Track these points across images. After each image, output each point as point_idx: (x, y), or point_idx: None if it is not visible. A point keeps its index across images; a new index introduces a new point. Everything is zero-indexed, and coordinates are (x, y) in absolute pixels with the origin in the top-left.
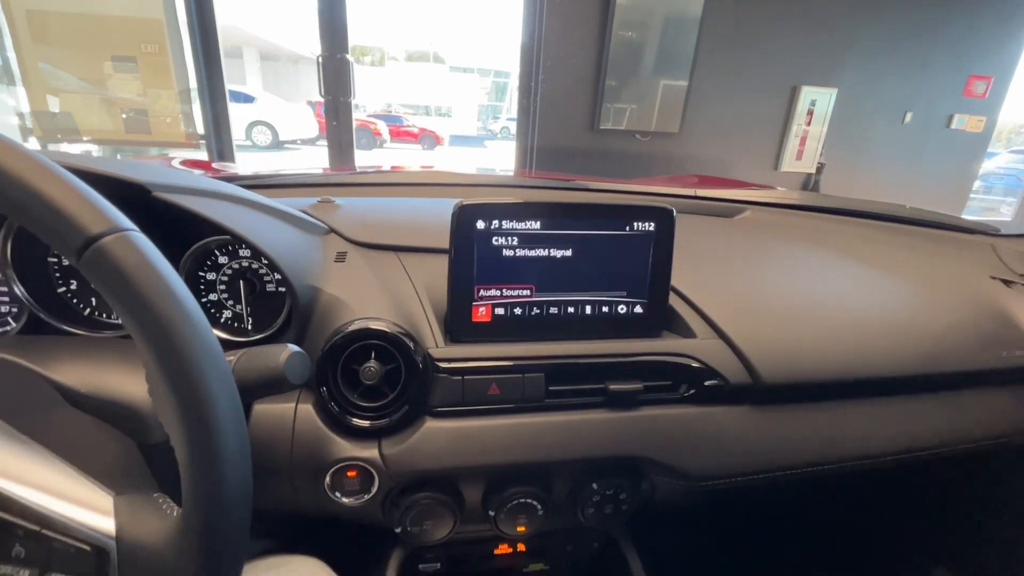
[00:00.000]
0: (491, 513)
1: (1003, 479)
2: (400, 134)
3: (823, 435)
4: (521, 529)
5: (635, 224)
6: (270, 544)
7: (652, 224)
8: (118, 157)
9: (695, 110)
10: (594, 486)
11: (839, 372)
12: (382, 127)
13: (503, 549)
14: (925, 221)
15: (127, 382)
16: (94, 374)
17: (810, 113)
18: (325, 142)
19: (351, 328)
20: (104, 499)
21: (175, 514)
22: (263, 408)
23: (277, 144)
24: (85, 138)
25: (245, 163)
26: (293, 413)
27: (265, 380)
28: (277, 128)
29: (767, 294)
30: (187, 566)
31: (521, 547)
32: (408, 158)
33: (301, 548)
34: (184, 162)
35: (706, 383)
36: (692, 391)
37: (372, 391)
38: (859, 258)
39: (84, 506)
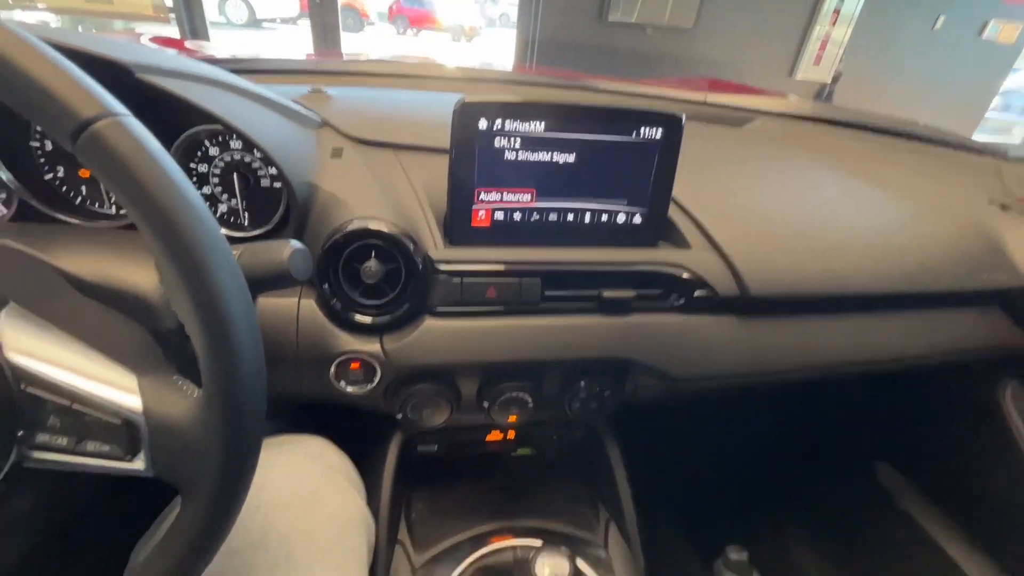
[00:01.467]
0: (485, 405)
1: (951, 391)
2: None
3: (800, 345)
4: (512, 419)
5: (642, 130)
6: (281, 425)
7: (659, 131)
8: (79, 30)
9: (712, 1)
10: (582, 384)
11: (824, 289)
12: (369, 8)
13: (495, 436)
14: (935, 139)
15: (133, 271)
16: (98, 262)
17: (836, 13)
18: (306, 21)
19: (350, 227)
20: (128, 379)
21: (196, 395)
22: (267, 302)
23: (254, 22)
24: (41, 6)
25: (221, 43)
26: (296, 308)
27: (269, 275)
28: (253, 3)
29: (765, 208)
30: (213, 440)
31: (511, 434)
32: (406, 46)
33: (309, 430)
34: (154, 39)
35: (695, 294)
36: (682, 300)
37: (373, 289)
38: (862, 175)
39: (110, 384)
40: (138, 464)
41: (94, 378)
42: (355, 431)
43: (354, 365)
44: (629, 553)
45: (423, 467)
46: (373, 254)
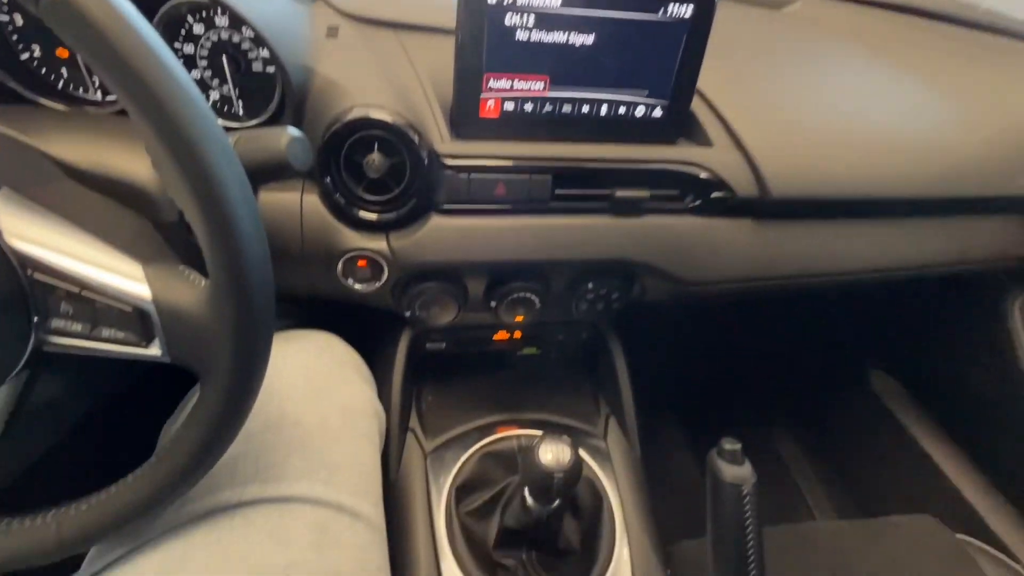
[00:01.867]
0: (492, 304)
1: (956, 301)
2: None
3: (816, 252)
4: (519, 319)
5: (670, 7)
6: (292, 323)
7: (689, 9)
8: None
9: None
10: (589, 285)
11: (849, 192)
12: None
13: (501, 335)
14: (998, 27)
15: (128, 160)
16: (90, 149)
17: None
18: None
19: (351, 116)
20: (134, 267)
21: (203, 285)
22: (270, 197)
23: None
24: None
25: None
26: (300, 203)
27: (267, 164)
28: None
29: (797, 102)
30: (224, 326)
31: (518, 334)
32: None
33: (320, 328)
34: None
35: (713, 195)
36: (698, 202)
37: (377, 184)
38: (909, 67)
39: (117, 272)
40: (154, 350)
41: (100, 266)
42: (365, 329)
43: (361, 263)
44: (627, 445)
45: (432, 363)
46: (376, 146)
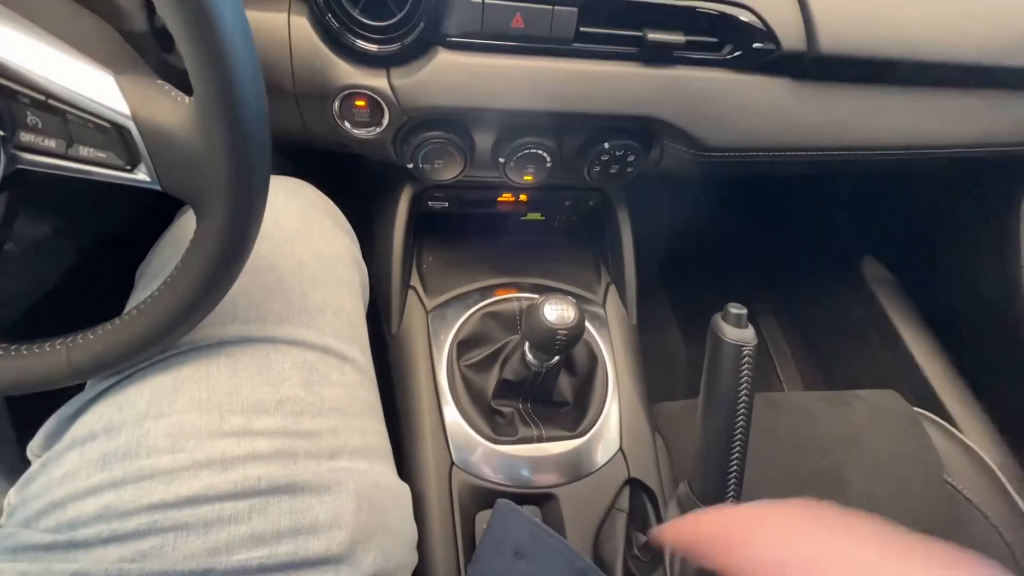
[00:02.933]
0: (501, 160)
1: (967, 190)
2: None
3: (852, 121)
4: (528, 179)
5: None
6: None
7: None
8: None
9: None
10: (605, 145)
11: (906, 52)
12: None
13: (506, 197)
14: None
15: None
16: None
17: None
18: None
19: None
20: (102, 75)
21: (187, 101)
22: (249, 15)
23: None
24: None
25: None
26: (287, 25)
27: None
28: None
29: None
30: (215, 149)
31: (523, 197)
32: None
33: (317, 179)
34: None
35: (755, 45)
36: (737, 52)
37: (377, 7)
38: None
39: (84, 78)
40: (141, 175)
41: (66, 71)
42: (365, 185)
43: (359, 103)
44: (624, 313)
45: (434, 223)
46: None
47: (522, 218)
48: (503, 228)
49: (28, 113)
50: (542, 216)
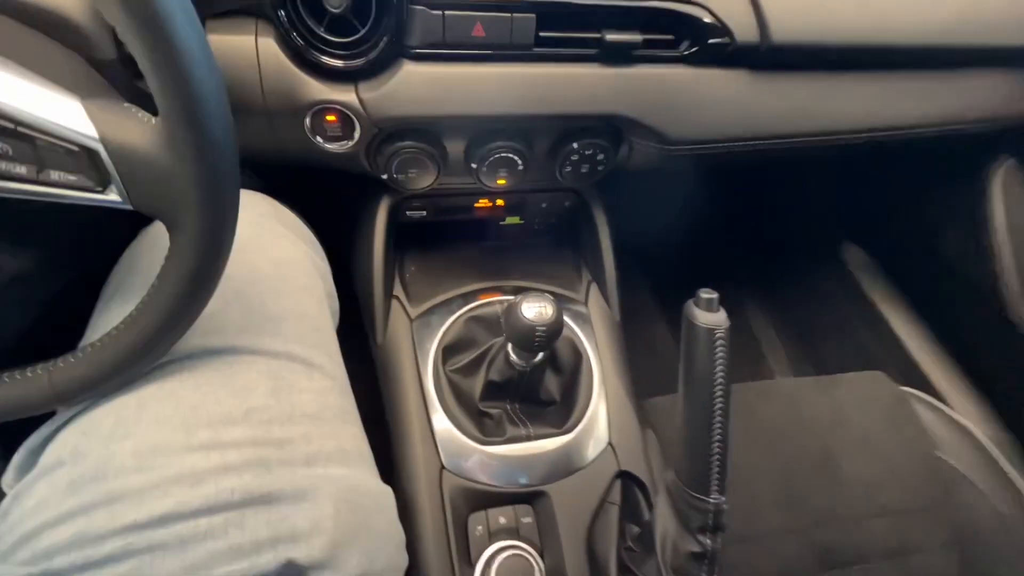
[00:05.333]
0: (473, 166)
1: (938, 166)
2: None
3: (811, 107)
4: (501, 182)
5: None
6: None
7: None
8: None
9: None
10: (574, 145)
11: (856, 38)
12: None
13: (483, 203)
14: None
15: None
16: None
17: None
18: None
19: None
20: (70, 101)
21: (153, 121)
22: (220, 40)
23: None
24: None
25: None
26: (255, 47)
27: None
28: None
29: None
30: (183, 165)
31: (500, 202)
32: None
33: (288, 200)
34: None
35: (710, 40)
36: (694, 48)
37: (341, 23)
38: None
39: (52, 104)
40: (112, 195)
41: (33, 99)
42: (343, 197)
43: (330, 117)
44: (607, 309)
45: (413, 233)
46: None
47: (501, 223)
48: (483, 233)
49: None
50: (520, 219)
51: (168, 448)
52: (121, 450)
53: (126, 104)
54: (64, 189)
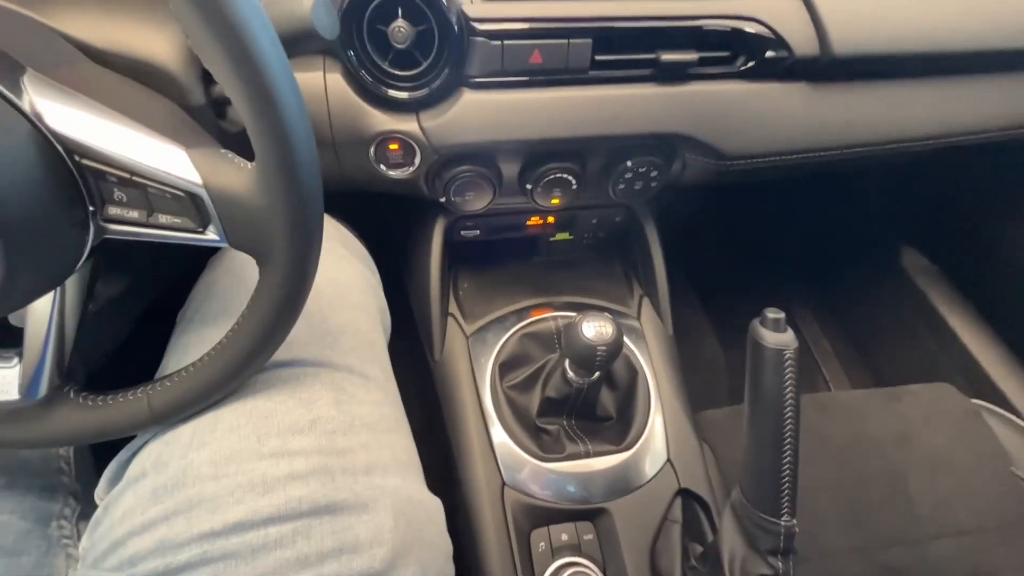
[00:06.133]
0: (528, 187)
1: (992, 177)
2: None
3: (874, 117)
4: (555, 202)
5: None
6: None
7: None
8: None
9: None
10: (628, 163)
11: (918, 46)
12: None
13: (535, 221)
14: None
15: (150, 40)
16: (104, 28)
17: None
18: None
19: None
20: (176, 151)
21: (250, 167)
22: None
23: None
24: None
25: None
26: (323, 83)
27: (292, 32)
28: None
29: None
30: (276, 208)
31: (551, 220)
32: None
33: (350, 221)
34: None
35: (767, 54)
36: (750, 63)
37: (405, 58)
38: None
39: (163, 157)
40: (211, 235)
41: (146, 150)
42: (400, 219)
43: (393, 146)
44: (660, 324)
45: (466, 251)
46: (400, 12)
47: (551, 239)
48: (533, 250)
49: (115, 190)
50: (570, 235)
51: (240, 455)
52: (199, 459)
53: (223, 151)
54: (171, 231)
